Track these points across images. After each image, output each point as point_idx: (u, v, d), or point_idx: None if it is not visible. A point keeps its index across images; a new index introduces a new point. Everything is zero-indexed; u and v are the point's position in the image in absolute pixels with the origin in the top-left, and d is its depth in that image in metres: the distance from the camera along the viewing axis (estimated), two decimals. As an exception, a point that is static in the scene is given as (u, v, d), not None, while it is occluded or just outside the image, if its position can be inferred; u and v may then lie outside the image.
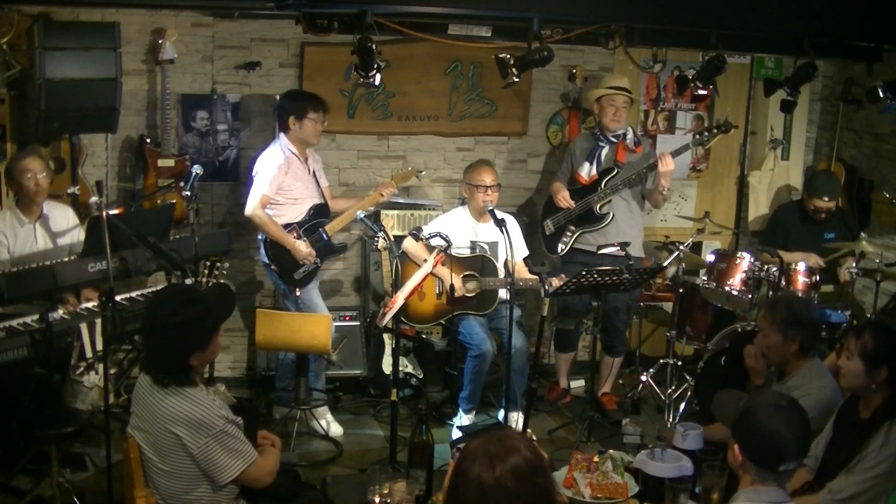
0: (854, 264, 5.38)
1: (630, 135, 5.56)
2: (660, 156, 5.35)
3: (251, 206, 5.08)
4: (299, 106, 5.15)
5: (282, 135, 5.22)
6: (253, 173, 5.17)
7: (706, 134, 5.55)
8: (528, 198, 6.30)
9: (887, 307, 5.68)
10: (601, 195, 5.48)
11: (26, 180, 4.60)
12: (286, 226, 5.16)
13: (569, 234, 5.58)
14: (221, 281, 4.59)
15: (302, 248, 5.14)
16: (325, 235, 5.27)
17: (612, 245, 5.36)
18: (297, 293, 5.17)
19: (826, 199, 5.78)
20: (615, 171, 5.49)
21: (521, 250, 5.44)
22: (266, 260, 5.21)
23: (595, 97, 5.53)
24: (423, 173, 5.84)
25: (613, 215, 5.49)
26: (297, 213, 5.22)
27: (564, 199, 5.53)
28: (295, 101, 5.21)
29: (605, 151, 5.54)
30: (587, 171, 5.55)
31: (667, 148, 5.62)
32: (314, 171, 5.33)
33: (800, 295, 5.16)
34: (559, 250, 5.61)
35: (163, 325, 3.06)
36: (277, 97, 5.62)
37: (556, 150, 6.25)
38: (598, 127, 5.59)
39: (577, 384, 6.12)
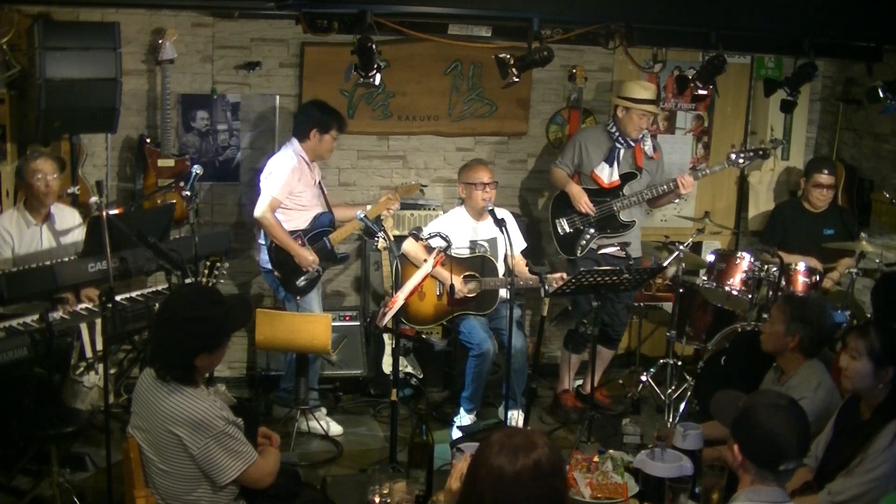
0: (847, 269, 5.39)
1: (649, 141, 5.49)
2: (681, 179, 5.35)
3: (261, 209, 5.04)
4: (326, 121, 5.11)
5: (295, 140, 5.18)
6: (264, 175, 5.13)
7: (742, 156, 5.48)
8: (529, 198, 6.30)
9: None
10: (625, 203, 5.43)
11: (36, 181, 4.58)
12: (291, 232, 5.14)
13: (588, 237, 5.47)
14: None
15: (306, 254, 5.12)
16: (328, 244, 5.26)
17: (613, 245, 5.35)
18: (297, 300, 5.17)
19: (826, 172, 5.77)
20: (637, 178, 5.45)
21: (520, 243, 5.42)
22: (268, 266, 5.18)
23: (623, 104, 5.37)
24: (427, 187, 5.82)
25: (635, 222, 5.50)
26: (304, 219, 5.20)
27: (587, 204, 5.40)
28: (322, 114, 5.14)
29: (622, 153, 5.44)
30: (608, 174, 5.42)
31: (668, 149, 5.60)
32: (319, 182, 5.32)
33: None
34: (577, 252, 5.49)
35: (180, 318, 3.06)
36: (277, 97, 5.62)
37: (556, 151, 6.20)
38: (615, 128, 5.44)
39: (576, 383, 6.11)
